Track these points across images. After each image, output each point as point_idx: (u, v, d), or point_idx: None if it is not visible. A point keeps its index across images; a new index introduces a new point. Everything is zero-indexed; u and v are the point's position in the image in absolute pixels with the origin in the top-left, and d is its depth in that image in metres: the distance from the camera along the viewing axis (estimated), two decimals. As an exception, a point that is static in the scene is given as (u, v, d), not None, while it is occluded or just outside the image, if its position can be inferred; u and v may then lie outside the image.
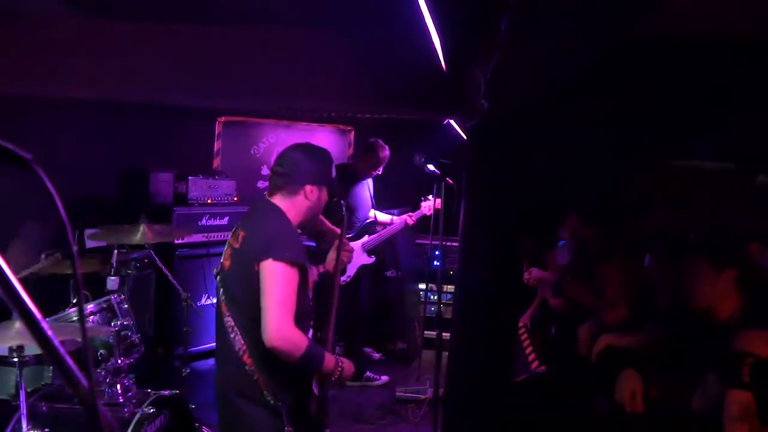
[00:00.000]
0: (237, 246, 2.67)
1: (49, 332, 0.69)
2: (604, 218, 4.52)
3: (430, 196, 5.41)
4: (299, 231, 2.84)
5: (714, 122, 4.36)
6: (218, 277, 2.76)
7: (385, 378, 5.93)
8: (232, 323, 2.63)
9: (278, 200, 2.72)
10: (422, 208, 5.79)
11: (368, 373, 5.89)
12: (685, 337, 3.09)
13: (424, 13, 2.47)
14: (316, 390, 2.72)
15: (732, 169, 5.68)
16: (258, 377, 2.59)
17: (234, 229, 2.78)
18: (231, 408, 2.69)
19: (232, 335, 2.62)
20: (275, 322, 2.46)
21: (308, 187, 2.71)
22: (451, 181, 4.55)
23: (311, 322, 2.81)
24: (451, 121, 5.30)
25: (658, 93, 4.03)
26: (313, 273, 3.27)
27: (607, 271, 4.21)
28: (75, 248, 0.73)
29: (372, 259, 5.80)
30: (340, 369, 2.69)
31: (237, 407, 2.66)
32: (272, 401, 2.60)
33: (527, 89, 3.01)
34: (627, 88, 4.00)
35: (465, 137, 5.03)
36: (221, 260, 2.77)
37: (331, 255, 3.17)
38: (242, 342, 2.60)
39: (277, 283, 2.49)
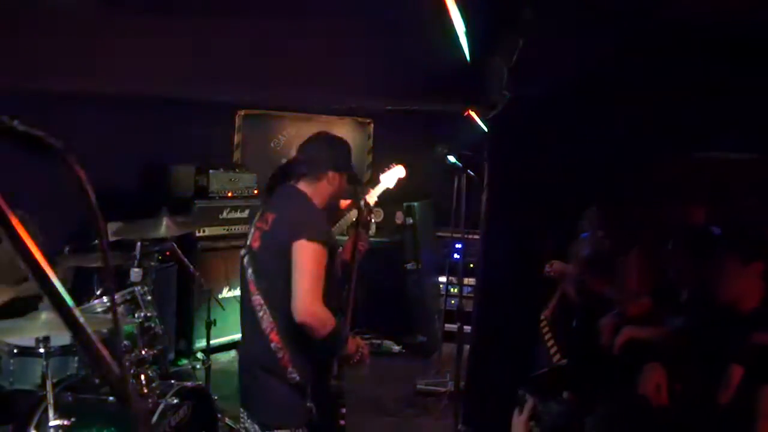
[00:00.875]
0: (267, 228, 2.78)
1: (81, 319, 0.69)
2: (626, 210, 4.47)
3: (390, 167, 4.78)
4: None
5: (738, 112, 4.30)
6: (245, 258, 2.86)
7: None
8: (261, 301, 2.74)
9: (303, 186, 2.86)
10: (382, 181, 5.18)
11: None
12: (709, 330, 3.05)
13: (448, 2, 2.46)
14: (334, 370, 2.83)
15: (756, 160, 5.60)
16: (284, 354, 2.69)
17: (259, 212, 2.90)
18: (255, 382, 2.81)
19: (260, 313, 2.73)
20: (306, 298, 2.58)
21: (331, 173, 2.86)
22: (472, 173, 4.53)
23: (336, 303, 2.89)
24: (472, 113, 5.27)
25: (681, 83, 3.98)
26: None
27: (629, 263, 4.17)
28: (105, 239, 0.73)
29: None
30: (360, 353, 2.84)
31: (261, 382, 2.77)
32: (297, 378, 2.70)
33: (549, 79, 2.99)
34: (649, 78, 3.95)
35: (485, 129, 5.01)
36: (248, 242, 2.88)
37: (348, 245, 3.23)
38: (270, 320, 2.71)
39: (309, 261, 2.62)
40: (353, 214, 3.92)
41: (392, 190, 5.58)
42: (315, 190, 2.85)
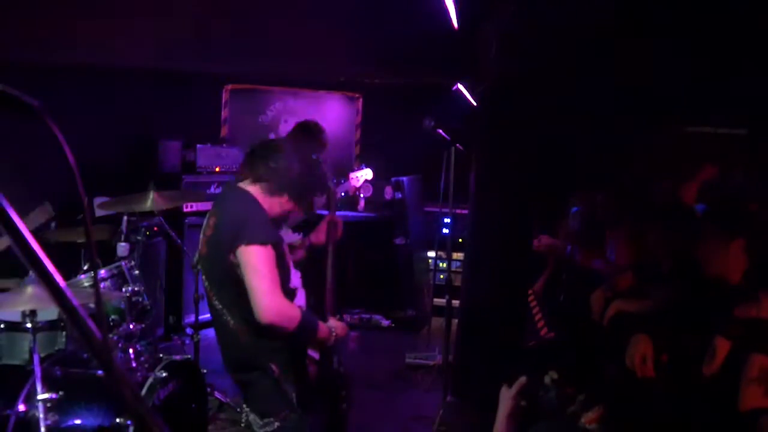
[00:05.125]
0: (210, 233, 2.74)
1: (63, 284, 0.68)
2: (614, 184, 4.48)
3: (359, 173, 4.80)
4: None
5: (727, 87, 4.30)
6: (198, 264, 2.87)
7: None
8: (220, 306, 2.73)
9: (253, 188, 2.76)
10: (351, 180, 5.17)
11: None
12: (695, 303, 3.08)
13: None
14: (316, 355, 2.85)
15: (744, 135, 5.62)
16: (255, 350, 2.69)
17: (207, 215, 2.83)
18: (241, 379, 2.83)
19: (223, 316, 2.73)
20: (266, 299, 2.54)
21: (286, 197, 2.76)
22: (461, 147, 4.51)
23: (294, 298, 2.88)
24: (461, 86, 5.25)
25: (672, 58, 3.97)
26: (298, 253, 3.30)
27: (618, 237, 4.19)
28: (85, 199, 0.72)
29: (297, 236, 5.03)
30: (334, 334, 2.81)
31: (245, 378, 2.79)
32: (275, 369, 2.70)
33: (539, 51, 2.97)
34: (640, 53, 3.93)
35: (474, 103, 4.98)
36: (199, 246, 2.84)
37: (321, 228, 3.22)
38: (233, 321, 2.70)
39: (257, 264, 2.56)
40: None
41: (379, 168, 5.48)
42: (265, 199, 2.75)
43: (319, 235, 3.26)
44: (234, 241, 2.58)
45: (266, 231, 2.66)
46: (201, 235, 2.82)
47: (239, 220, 2.65)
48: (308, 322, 2.69)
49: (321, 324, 2.78)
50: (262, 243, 2.58)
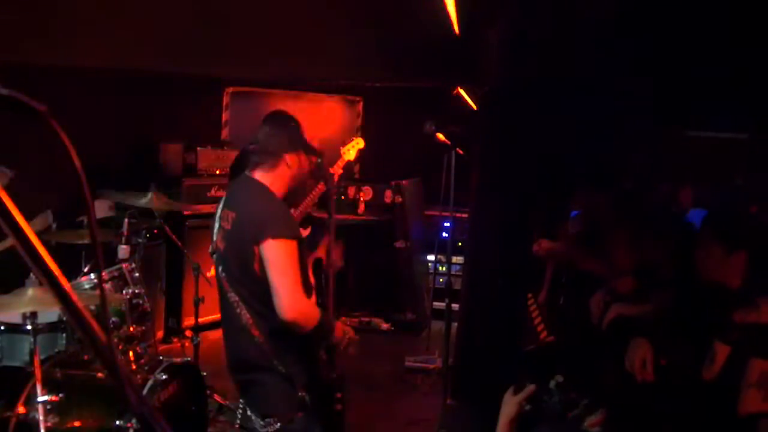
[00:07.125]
0: (228, 227, 2.71)
1: (67, 286, 0.69)
2: (615, 188, 4.49)
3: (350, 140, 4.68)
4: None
5: (729, 92, 4.31)
6: (214, 256, 2.81)
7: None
8: (237, 299, 2.70)
9: (260, 176, 2.74)
10: (343, 155, 4.66)
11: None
12: (694, 307, 3.08)
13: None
14: (323, 355, 2.85)
15: (745, 140, 5.63)
16: (267, 348, 2.67)
17: (220, 208, 2.81)
18: (245, 378, 2.79)
19: (237, 310, 2.70)
20: (288, 297, 2.53)
21: (287, 156, 2.74)
22: (461, 151, 4.51)
23: (314, 294, 2.89)
24: (461, 91, 5.26)
25: (673, 62, 3.98)
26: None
27: (618, 241, 4.19)
28: (90, 203, 0.72)
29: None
30: (348, 337, 2.83)
31: (250, 377, 2.76)
32: (283, 369, 2.67)
33: (539, 55, 2.98)
34: (641, 57, 3.94)
35: (474, 107, 4.99)
36: (214, 239, 2.82)
37: (322, 245, 3.24)
38: (248, 316, 2.68)
39: (282, 259, 2.55)
40: (316, 193, 3.92)
41: (378, 167, 5.54)
42: (274, 177, 2.73)
43: (321, 249, 3.27)
44: (259, 234, 2.56)
45: (292, 226, 2.68)
46: (216, 228, 2.80)
47: (262, 213, 2.65)
48: (326, 321, 2.70)
49: (337, 324, 2.79)
50: (289, 238, 2.58)
